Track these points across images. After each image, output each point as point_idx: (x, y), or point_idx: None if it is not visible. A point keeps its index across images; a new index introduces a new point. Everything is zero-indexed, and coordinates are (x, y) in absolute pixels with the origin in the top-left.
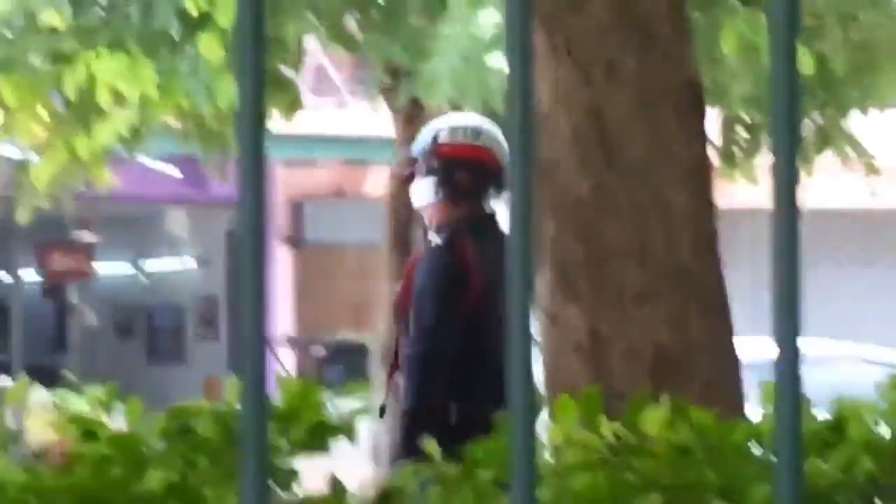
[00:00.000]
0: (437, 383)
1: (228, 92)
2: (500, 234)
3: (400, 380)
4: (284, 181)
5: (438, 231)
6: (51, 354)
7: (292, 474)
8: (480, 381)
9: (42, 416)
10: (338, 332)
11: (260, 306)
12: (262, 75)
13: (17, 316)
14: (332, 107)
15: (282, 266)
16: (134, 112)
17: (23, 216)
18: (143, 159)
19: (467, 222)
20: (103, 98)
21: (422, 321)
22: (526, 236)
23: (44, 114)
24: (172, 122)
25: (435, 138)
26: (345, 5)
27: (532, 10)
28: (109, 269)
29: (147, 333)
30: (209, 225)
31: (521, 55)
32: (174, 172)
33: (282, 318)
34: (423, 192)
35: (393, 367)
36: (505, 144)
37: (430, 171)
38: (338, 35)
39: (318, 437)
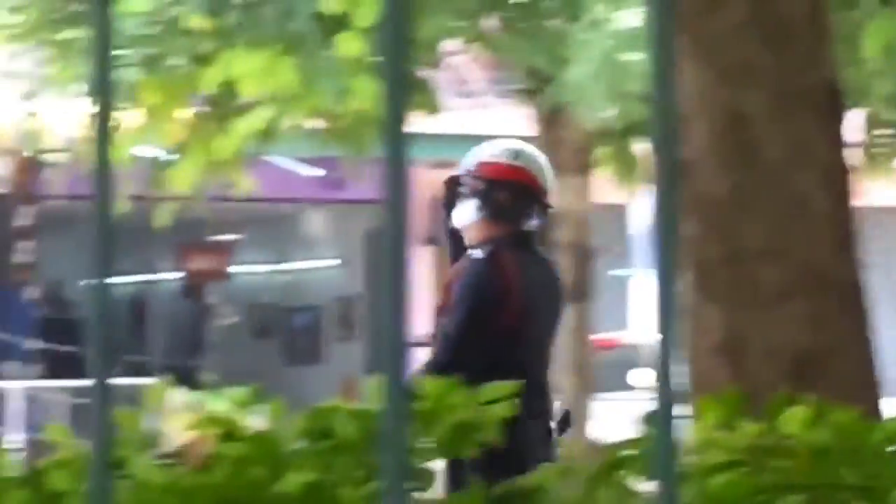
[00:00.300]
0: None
1: (366, 92)
2: (538, 253)
3: None
4: (424, 182)
5: (481, 248)
6: (189, 355)
7: (431, 475)
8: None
9: (181, 416)
10: None
11: (401, 306)
12: (406, 78)
13: (155, 316)
14: (472, 108)
15: (422, 266)
16: (271, 112)
17: (162, 217)
18: (283, 160)
19: (508, 239)
20: (244, 93)
21: (449, 335)
22: (670, 237)
23: (183, 115)
24: (312, 123)
25: (478, 160)
26: (484, 7)
27: (673, 12)
28: (248, 269)
29: (285, 334)
30: (348, 225)
31: (662, 57)
32: (313, 173)
33: (421, 317)
34: (466, 213)
35: None
36: (545, 166)
37: (473, 193)
38: (477, 36)
39: (459, 438)
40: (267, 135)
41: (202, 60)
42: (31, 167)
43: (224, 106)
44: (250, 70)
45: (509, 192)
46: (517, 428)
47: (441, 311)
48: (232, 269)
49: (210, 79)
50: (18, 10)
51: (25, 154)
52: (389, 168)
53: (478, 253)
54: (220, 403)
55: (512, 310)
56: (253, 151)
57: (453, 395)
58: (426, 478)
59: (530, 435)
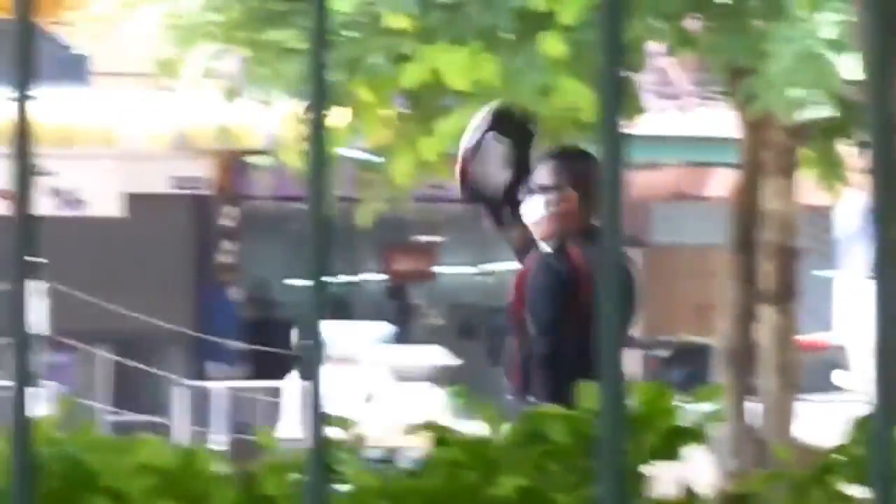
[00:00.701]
0: (564, 377)
1: (568, 91)
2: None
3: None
4: (630, 183)
5: (549, 243)
6: None
7: (643, 479)
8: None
9: (390, 419)
10: (681, 333)
11: (614, 310)
12: (620, 80)
13: (360, 316)
14: (675, 109)
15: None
16: (476, 110)
17: (366, 218)
18: None
19: (575, 234)
20: (451, 87)
21: (539, 324)
22: (886, 238)
23: (387, 115)
24: None
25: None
26: (687, 7)
27: (887, 15)
28: (452, 270)
29: (488, 334)
30: None
31: (878, 57)
32: None
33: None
34: (535, 209)
35: (510, 373)
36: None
37: (541, 189)
38: (680, 37)
39: (671, 443)
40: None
41: (403, 60)
42: (234, 168)
43: (427, 106)
44: (453, 63)
45: (577, 189)
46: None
47: (514, 307)
48: (436, 269)
49: (412, 75)
50: (221, 9)
51: (229, 155)
52: (607, 169)
53: (547, 249)
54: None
55: (583, 297)
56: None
57: (665, 399)
58: (641, 482)
59: None
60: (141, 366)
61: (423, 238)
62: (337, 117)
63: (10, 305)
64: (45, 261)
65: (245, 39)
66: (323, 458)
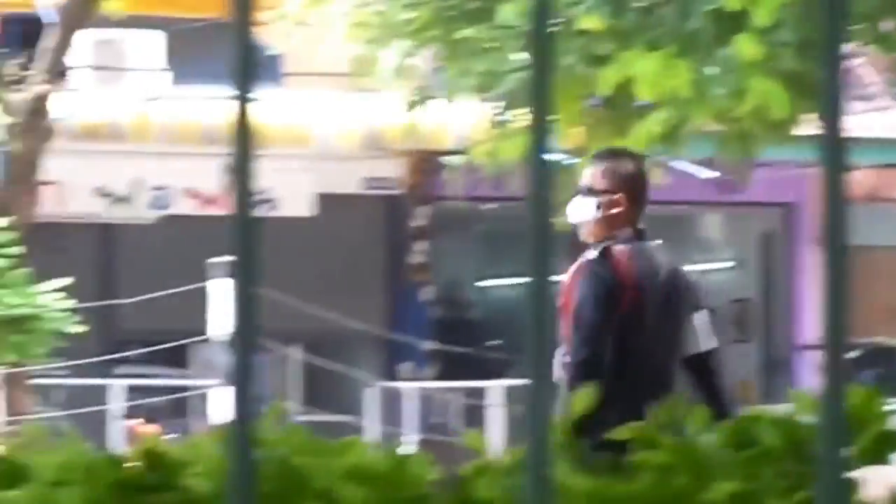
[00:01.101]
0: (601, 385)
1: (759, 92)
2: (649, 247)
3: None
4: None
5: (595, 246)
6: None
7: (853, 485)
8: (632, 387)
9: None
10: (873, 335)
11: (838, 311)
12: (840, 83)
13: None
14: (870, 111)
15: (817, 269)
16: (669, 114)
17: (560, 220)
18: (679, 162)
19: (622, 235)
20: (643, 94)
21: (581, 331)
22: None
23: (581, 116)
24: (707, 124)
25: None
26: (884, 8)
27: None
28: None
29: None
30: (743, 227)
31: None
32: (708, 175)
33: (814, 321)
34: (583, 211)
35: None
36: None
37: (589, 191)
38: (876, 38)
39: (881, 447)
40: (664, 138)
41: (598, 61)
42: (425, 168)
43: (621, 108)
44: (647, 72)
45: (625, 192)
46: (631, 411)
47: (563, 311)
48: None
49: (607, 80)
50: (413, 7)
51: (420, 155)
52: (827, 172)
53: (592, 253)
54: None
55: (627, 301)
56: (653, 154)
57: (875, 403)
58: (852, 487)
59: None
60: (332, 366)
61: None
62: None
63: (236, 307)
64: (231, 259)
65: (437, 38)
66: (543, 461)
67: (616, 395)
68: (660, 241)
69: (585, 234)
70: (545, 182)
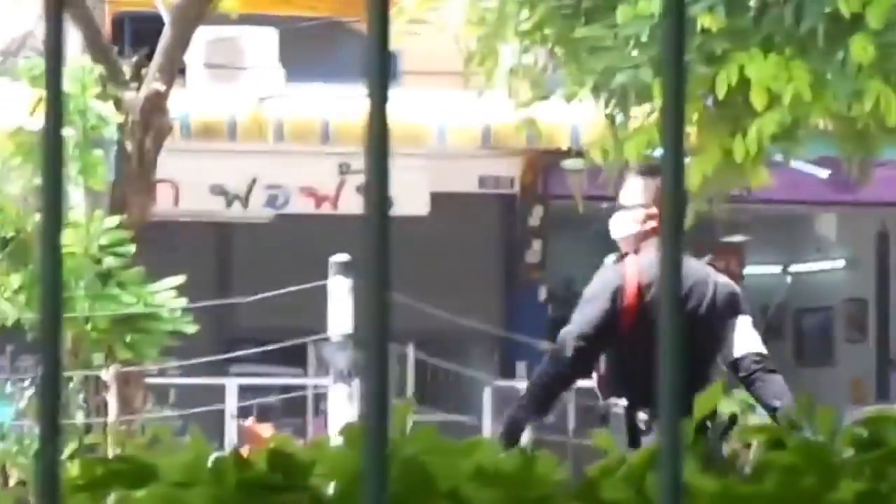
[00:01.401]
0: (554, 378)
1: (874, 95)
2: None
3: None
4: None
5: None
6: None
7: None
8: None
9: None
10: None
11: None
12: None
13: None
14: None
15: None
16: (785, 114)
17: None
18: (794, 162)
19: (651, 247)
20: (757, 99)
21: (577, 327)
22: None
23: (695, 115)
24: (822, 123)
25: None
26: None
27: None
28: (759, 270)
29: (795, 334)
30: (858, 227)
31: None
32: (823, 174)
33: None
34: (624, 225)
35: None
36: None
37: (629, 206)
38: None
39: None
40: (780, 137)
41: (713, 60)
42: (541, 167)
43: (736, 107)
44: (763, 73)
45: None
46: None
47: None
48: (744, 269)
49: (723, 80)
50: (529, 4)
51: (536, 154)
52: None
53: (610, 260)
54: (729, 405)
55: (631, 315)
56: (770, 153)
57: None
58: None
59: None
60: (447, 365)
61: (731, 238)
62: (644, 117)
63: (368, 308)
64: (349, 258)
65: (553, 36)
66: (676, 462)
67: (641, 401)
68: (707, 258)
69: (625, 248)
70: (680, 181)
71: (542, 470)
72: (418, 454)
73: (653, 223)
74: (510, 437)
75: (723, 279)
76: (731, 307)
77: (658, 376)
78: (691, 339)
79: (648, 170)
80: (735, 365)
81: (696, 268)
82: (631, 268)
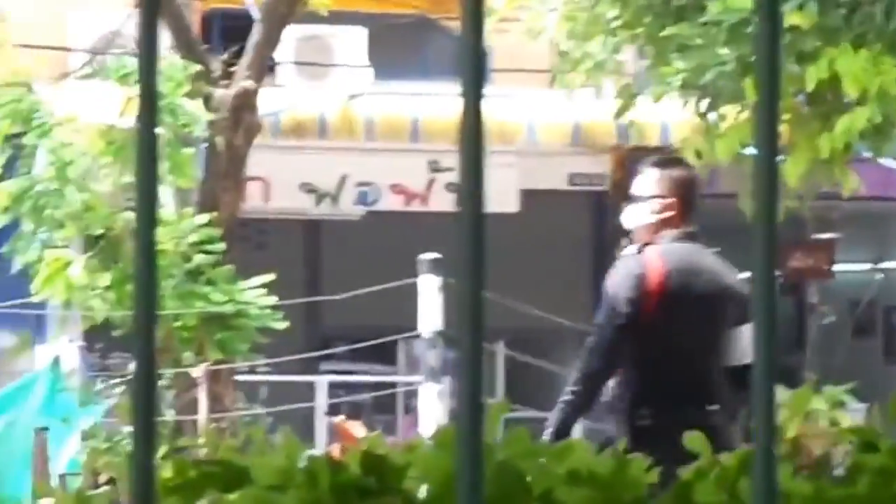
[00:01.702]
0: (596, 373)
1: None
2: (694, 250)
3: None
4: None
5: (639, 246)
6: (791, 353)
7: None
8: (668, 384)
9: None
10: None
11: None
12: None
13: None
14: None
15: None
16: (875, 110)
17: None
18: (885, 160)
19: (668, 238)
20: (849, 90)
21: (595, 332)
22: None
23: (787, 114)
24: None
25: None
26: None
27: None
28: (848, 267)
29: (885, 332)
30: None
31: None
32: None
33: None
34: (638, 216)
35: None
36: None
37: (643, 197)
38: None
39: None
40: (870, 134)
41: (804, 58)
42: (631, 165)
43: (827, 103)
44: (853, 69)
45: (677, 197)
46: (667, 415)
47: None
48: (833, 267)
49: (813, 77)
50: (620, 2)
51: (626, 151)
52: None
53: (630, 250)
54: (818, 402)
55: (653, 303)
56: (860, 150)
57: None
58: None
59: (687, 422)
60: (537, 362)
61: (821, 235)
62: (734, 116)
63: (459, 307)
64: (439, 256)
65: (644, 34)
66: (773, 466)
67: (649, 393)
68: (717, 249)
69: (639, 239)
70: (774, 179)
71: (634, 472)
72: (512, 457)
73: (667, 214)
74: (561, 439)
75: (736, 276)
76: (742, 309)
77: (674, 365)
78: (702, 336)
79: (663, 162)
80: (738, 371)
81: (715, 261)
82: (652, 257)
